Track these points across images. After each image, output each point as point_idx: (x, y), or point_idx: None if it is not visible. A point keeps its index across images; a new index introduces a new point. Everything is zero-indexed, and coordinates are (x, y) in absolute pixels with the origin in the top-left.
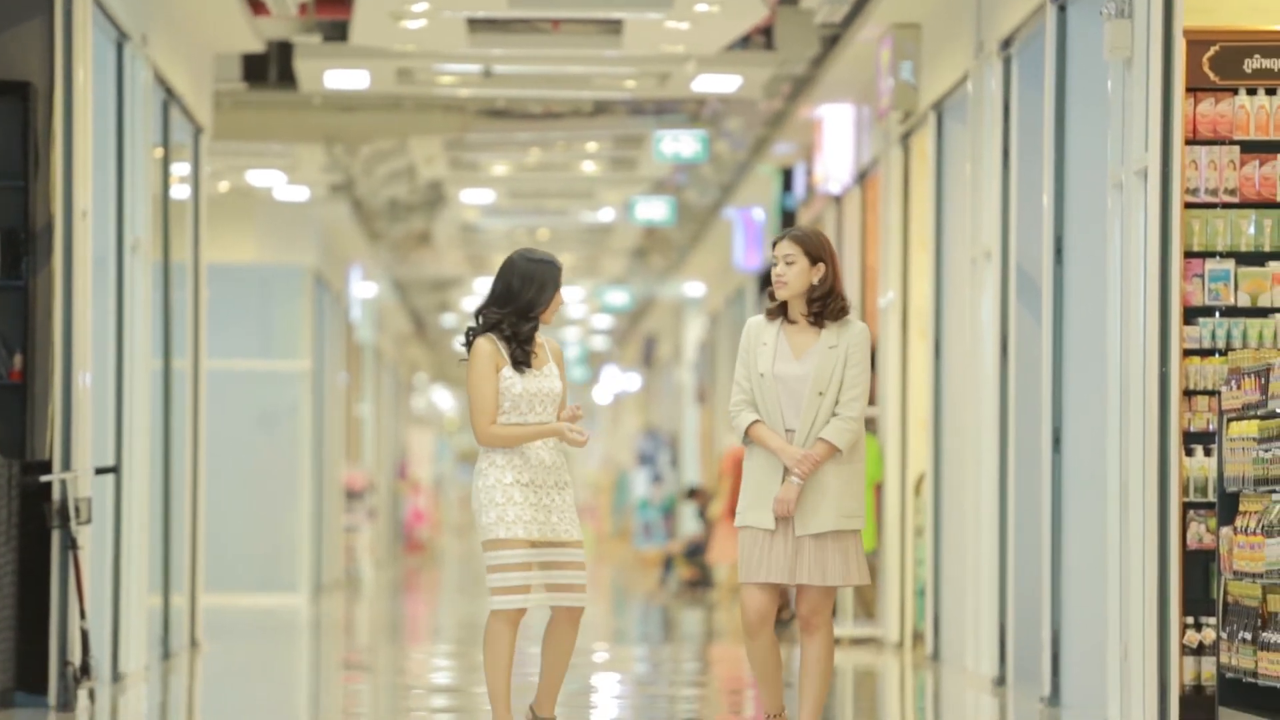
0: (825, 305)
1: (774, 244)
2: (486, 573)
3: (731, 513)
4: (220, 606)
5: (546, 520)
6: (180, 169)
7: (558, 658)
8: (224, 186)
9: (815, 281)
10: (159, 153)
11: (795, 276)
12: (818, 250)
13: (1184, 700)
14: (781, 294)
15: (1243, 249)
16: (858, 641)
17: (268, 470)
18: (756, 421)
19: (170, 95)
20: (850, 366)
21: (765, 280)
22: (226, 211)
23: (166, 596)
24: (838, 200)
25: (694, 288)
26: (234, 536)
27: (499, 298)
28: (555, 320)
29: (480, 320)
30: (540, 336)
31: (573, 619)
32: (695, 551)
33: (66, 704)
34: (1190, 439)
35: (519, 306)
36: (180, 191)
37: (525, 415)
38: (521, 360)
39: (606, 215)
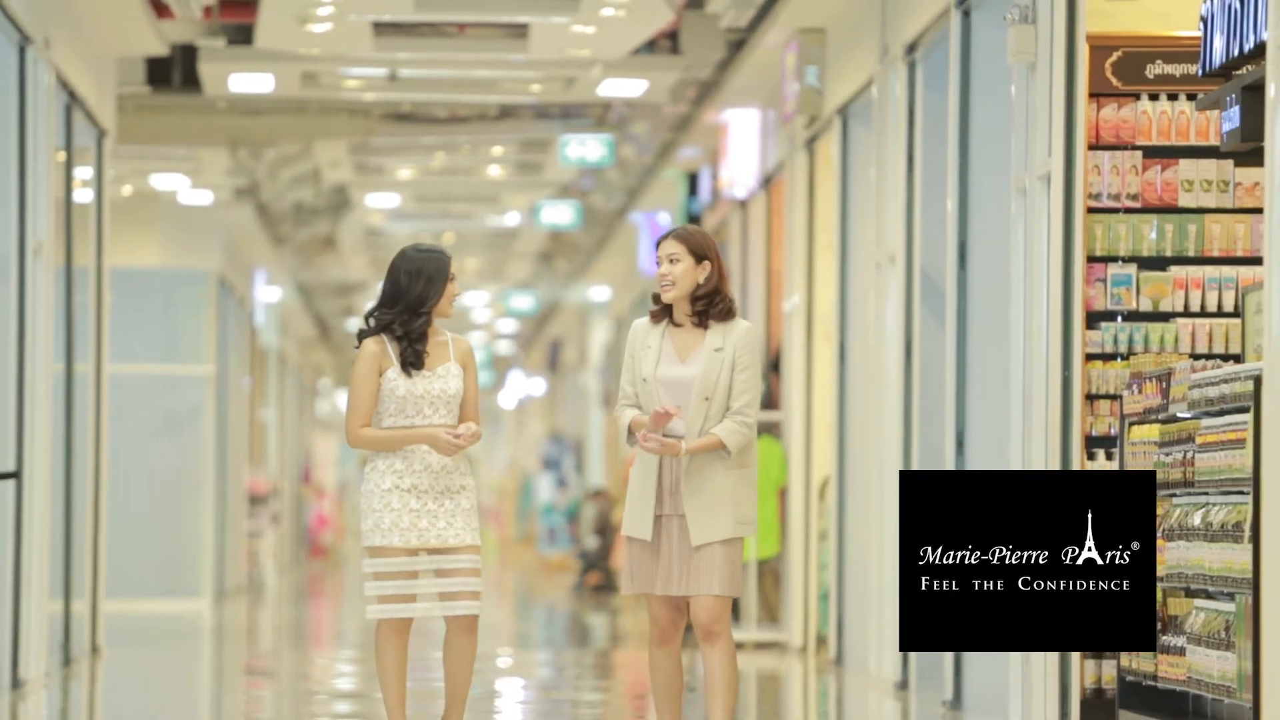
0: (710, 305)
1: (657, 244)
2: (364, 580)
3: None
4: (122, 612)
5: (431, 527)
6: (83, 173)
7: (458, 668)
8: (127, 190)
9: (700, 280)
10: (61, 156)
11: (681, 275)
12: (702, 248)
13: (1085, 703)
14: (669, 295)
15: (1144, 254)
16: (761, 646)
17: (171, 475)
18: (640, 415)
19: (73, 98)
20: (739, 371)
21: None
22: (130, 215)
23: (67, 602)
24: (743, 205)
25: (599, 292)
26: (136, 542)
27: (388, 297)
28: (460, 321)
29: (372, 322)
30: (448, 334)
31: (466, 627)
32: (593, 561)
33: None
34: (1092, 443)
35: (409, 302)
36: (83, 195)
37: (413, 418)
38: (411, 361)
39: (512, 219)
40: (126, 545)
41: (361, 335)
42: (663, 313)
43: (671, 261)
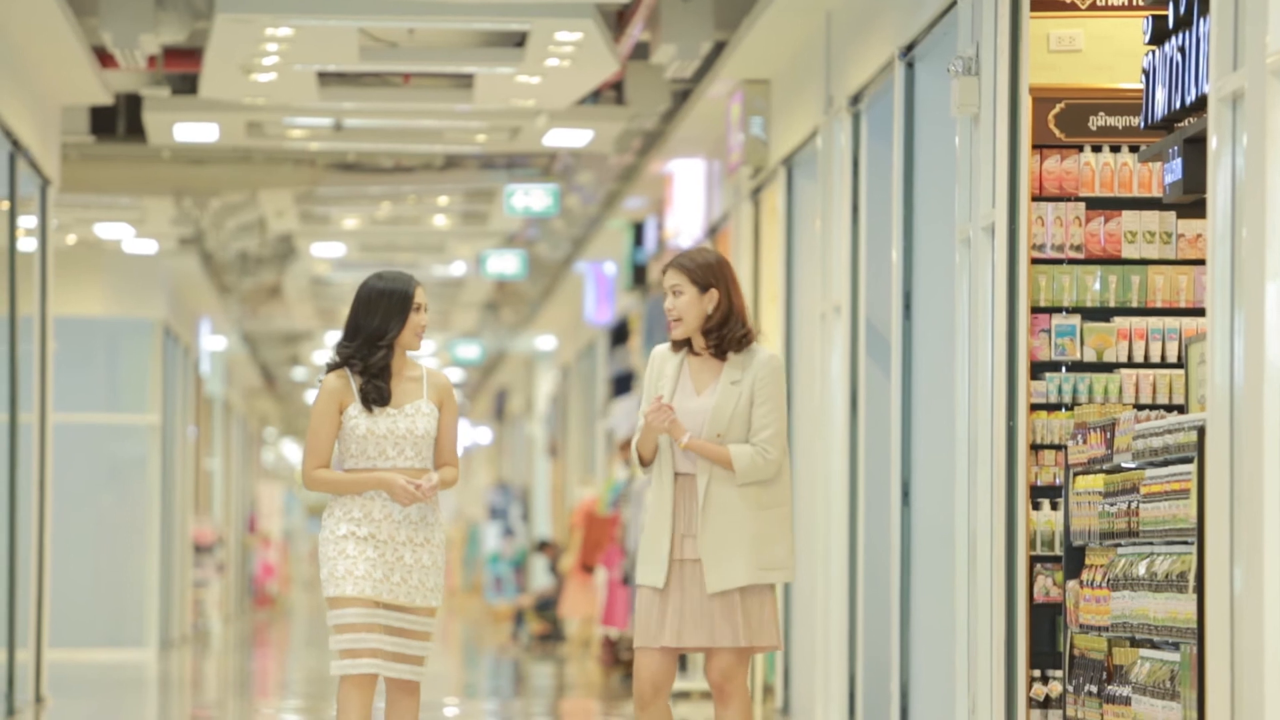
0: (723, 334)
1: (662, 274)
2: (330, 633)
3: (582, 566)
4: (66, 661)
5: (386, 580)
6: (27, 222)
7: None
8: (71, 239)
9: (709, 310)
10: (5, 205)
11: (686, 308)
12: (706, 276)
13: None
14: (677, 332)
15: (1088, 304)
16: (707, 694)
17: (116, 524)
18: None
19: (17, 148)
20: (759, 405)
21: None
22: (74, 265)
23: (11, 651)
24: None
25: (545, 341)
26: (81, 591)
27: (349, 329)
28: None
29: (337, 356)
30: (424, 369)
31: (408, 689)
32: (546, 605)
33: None
34: (1037, 493)
35: (368, 335)
36: (27, 244)
37: (374, 460)
38: (373, 398)
39: (458, 269)
40: (71, 595)
41: (329, 369)
42: (684, 340)
43: (675, 294)
